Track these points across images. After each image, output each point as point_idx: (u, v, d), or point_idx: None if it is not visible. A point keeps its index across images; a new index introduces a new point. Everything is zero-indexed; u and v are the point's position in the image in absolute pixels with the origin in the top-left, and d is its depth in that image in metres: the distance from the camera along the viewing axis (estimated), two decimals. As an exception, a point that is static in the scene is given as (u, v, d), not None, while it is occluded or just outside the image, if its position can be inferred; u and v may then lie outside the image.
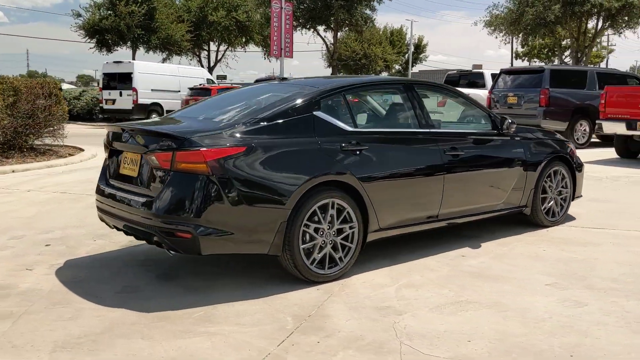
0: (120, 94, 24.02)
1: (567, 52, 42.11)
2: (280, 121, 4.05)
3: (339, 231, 4.19)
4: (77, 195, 7.51)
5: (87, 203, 6.99)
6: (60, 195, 7.51)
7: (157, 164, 3.83)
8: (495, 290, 4.02)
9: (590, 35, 26.88)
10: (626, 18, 24.05)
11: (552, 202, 5.86)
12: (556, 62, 43.36)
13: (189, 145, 3.71)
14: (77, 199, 7.30)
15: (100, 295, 3.89)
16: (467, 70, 18.66)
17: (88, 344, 3.15)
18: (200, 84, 25.04)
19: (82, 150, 12.49)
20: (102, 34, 30.33)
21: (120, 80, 24.09)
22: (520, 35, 27.70)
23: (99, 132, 19.77)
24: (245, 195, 3.77)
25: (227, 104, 4.70)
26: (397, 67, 56.56)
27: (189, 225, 3.69)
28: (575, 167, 6.05)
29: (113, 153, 4.42)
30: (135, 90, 23.67)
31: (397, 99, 4.88)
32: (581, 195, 6.33)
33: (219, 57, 38.76)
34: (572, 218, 6.21)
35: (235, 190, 3.74)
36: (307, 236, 4.03)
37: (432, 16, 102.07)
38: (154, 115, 23.42)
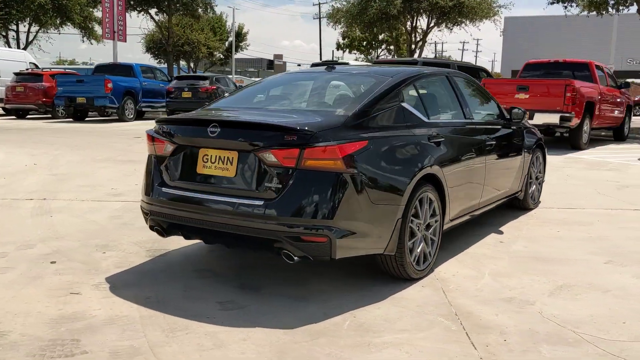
0: None
1: (384, 46, 45.19)
2: (381, 113, 3.83)
3: (428, 225, 4.09)
4: (4, 202, 6.32)
5: (32, 210, 5.94)
6: (-19, 201, 6.26)
7: (276, 161, 3.38)
8: (575, 272, 4.23)
9: (421, 30, 29.24)
10: (457, 16, 26.56)
11: (534, 187, 6.31)
12: (373, 54, 46.19)
13: (320, 141, 3.35)
14: (11, 205, 6.15)
15: (208, 314, 3.35)
16: (332, 61, 19.03)
17: (280, 372, 2.72)
18: (27, 69, 22.34)
19: None
20: None
21: None
22: (358, 27, 29.04)
23: None
24: (371, 192, 3.51)
25: (296, 94, 4.33)
26: (216, 54, 55.68)
27: (324, 227, 3.34)
28: (545, 153, 6.57)
29: (179, 149, 3.80)
30: (-54, 75, 20.37)
31: (446, 89, 4.86)
32: (544, 180, 6.90)
33: (30, 39, 34.77)
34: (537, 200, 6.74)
35: (364, 187, 3.47)
36: (409, 232, 3.88)
37: (230, 4, 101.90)
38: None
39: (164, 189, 3.81)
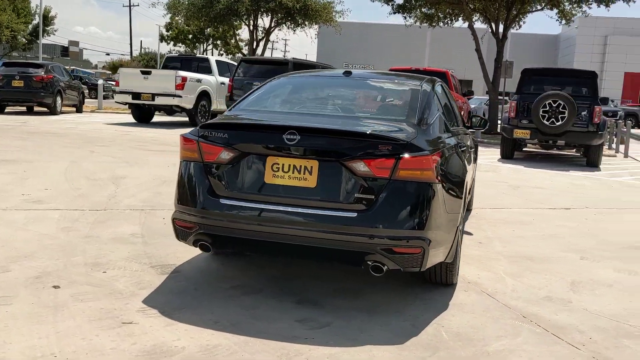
0: None
1: (210, 40, 44.47)
2: (433, 122, 3.86)
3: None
4: None
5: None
6: None
7: (369, 172, 3.25)
8: (568, 270, 4.64)
9: (262, 29, 29.25)
10: (300, 18, 27.01)
11: (473, 189, 6.78)
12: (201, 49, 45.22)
13: (416, 150, 3.29)
14: None
15: (304, 335, 3.11)
16: (189, 55, 18.28)
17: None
18: None
19: None
20: None
21: None
22: (201, 22, 28.14)
23: None
24: (447, 201, 3.54)
25: (334, 100, 4.17)
26: (20, 37, 50.22)
27: (417, 238, 3.29)
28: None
29: (239, 157, 3.45)
30: None
31: (445, 96, 4.99)
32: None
33: None
34: (465, 201, 7.23)
35: (443, 196, 3.48)
36: None
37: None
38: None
39: (221, 201, 3.44)
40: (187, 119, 17.53)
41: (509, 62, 21.09)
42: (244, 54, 35.28)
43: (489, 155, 13.39)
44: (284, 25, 28.62)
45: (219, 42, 42.71)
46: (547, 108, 11.61)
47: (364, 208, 3.28)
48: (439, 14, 22.29)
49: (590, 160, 12.05)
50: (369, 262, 3.31)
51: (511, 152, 12.68)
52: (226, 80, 16.80)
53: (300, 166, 3.36)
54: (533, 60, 47.79)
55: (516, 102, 12.21)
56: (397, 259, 3.30)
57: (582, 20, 38.55)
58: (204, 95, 16.80)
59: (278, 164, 3.39)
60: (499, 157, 13.02)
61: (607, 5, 19.55)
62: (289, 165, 3.37)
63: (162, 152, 10.50)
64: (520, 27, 23.00)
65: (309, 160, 3.35)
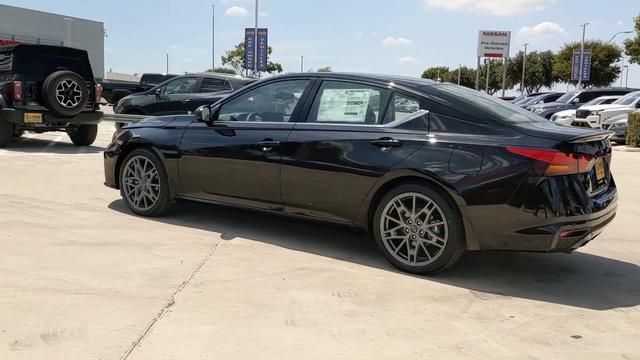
0: None
1: None
2: None
3: None
4: None
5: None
6: None
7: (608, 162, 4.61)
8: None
9: None
10: None
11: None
12: None
13: None
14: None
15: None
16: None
17: None
18: None
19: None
20: None
21: None
22: None
23: None
24: None
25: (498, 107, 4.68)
26: None
27: None
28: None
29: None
30: None
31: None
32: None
33: None
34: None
35: None
36: None
37: None
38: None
39: (598, 201, 4.03)
40: None
41: None
42: None
43: None
44: None
45: None
46: (63, 89, 10.86)
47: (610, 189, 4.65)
48: None
49: (88, 140, 11.87)
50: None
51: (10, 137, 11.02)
52: None
53: (600, 163, 4.35)
54: None
55: (21, 83, 10.60)
56: None
57: None
58: None
59: (595, 165, 4.24)
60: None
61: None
62: (598, 163, 4.30)
63: None
64: None
65: (599, 158, 4.36)
